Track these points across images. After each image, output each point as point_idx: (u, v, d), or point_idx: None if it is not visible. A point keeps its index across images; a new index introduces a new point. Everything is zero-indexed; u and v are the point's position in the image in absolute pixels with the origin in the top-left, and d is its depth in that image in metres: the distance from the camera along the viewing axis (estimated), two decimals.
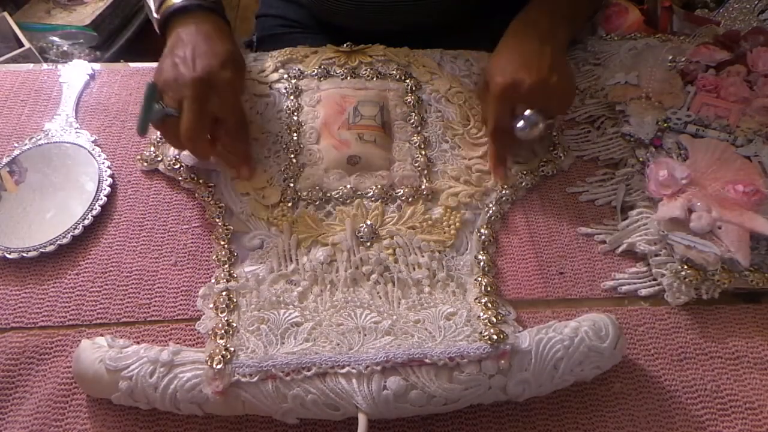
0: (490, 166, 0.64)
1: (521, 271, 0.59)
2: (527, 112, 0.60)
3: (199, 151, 0.59)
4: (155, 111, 0.56)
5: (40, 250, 0.57)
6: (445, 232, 0.59)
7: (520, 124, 0.60)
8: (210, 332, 0.51)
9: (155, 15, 0.65)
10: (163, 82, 0.57)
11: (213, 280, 0.55)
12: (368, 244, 0.58)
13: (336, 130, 0.65)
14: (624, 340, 0.50)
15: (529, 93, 0.60)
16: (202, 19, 0.62)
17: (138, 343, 0.49)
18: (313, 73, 0.71)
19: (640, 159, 0.65)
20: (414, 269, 0.56)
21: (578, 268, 0.59)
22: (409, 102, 0.69)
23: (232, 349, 0.48)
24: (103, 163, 0.64)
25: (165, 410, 0.47)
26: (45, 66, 0.75)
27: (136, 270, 0.57)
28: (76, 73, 0.73)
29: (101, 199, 0.61)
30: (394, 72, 0.72)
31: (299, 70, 0.72)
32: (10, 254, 0.56)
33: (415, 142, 0.66)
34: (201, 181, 0.62)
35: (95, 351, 0.48)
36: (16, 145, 0.65)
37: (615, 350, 0.49)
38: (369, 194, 0.61)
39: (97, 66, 0.75)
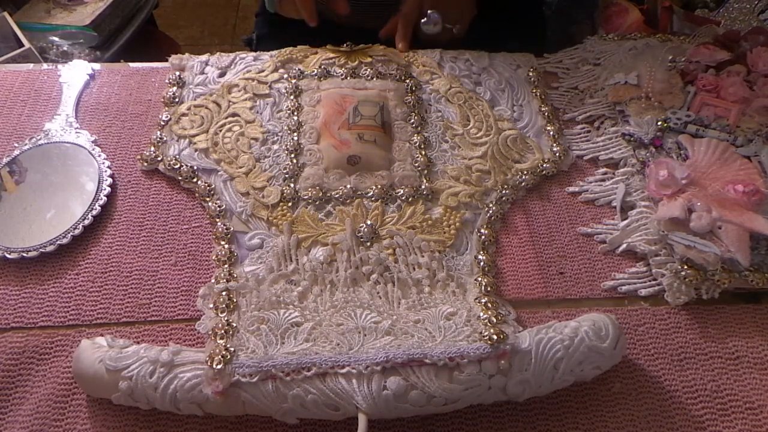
0: (396, 41, 0.76)
1: (521, 271, 0.59)
2: (430, 12, 0.75)
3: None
4: None
5: (40, 250, 0.57)
6: (445, 232, 0.59)
7: (424, 20, 0.75)
8: (210, 332, 0.51)
9: None
10: None
11: (213, 280, 0.55)
12: (368, 244, 0.58)
13: (336, 130, 0.65)
14: (624, 340, 0.50)
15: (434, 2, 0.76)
16: None
17: (138, 343, 0.49)
18: (313, 73, 0.71)
19: (640, 159, 0.65)
20: (414, 269, 0.56)
21: (578, 268, 0.59)
22: (409, 102, 0.70)
23: (232, 349, 0.48)
24: (103, 163, 0.64)
25: (165, 410, 0.47)
26: (45, 66, 0.75)
27: (136, 270, 0.57)
28: (76, 73, 0.73)
29: (101, 199, 0.61)
30: (394, 72, 0.72)
31: (299, 70, 0.72)
32: (10, 254, 0.56)
33: (415, 142, 0.66)
34: (201, 181, 0.62)
35: (95, 351, 0.48)
36: (16, 145, 0.65)
37: (615, 350, 0.49)
38: (369, 194, 0.61)
39: (97, 66, 0.75)
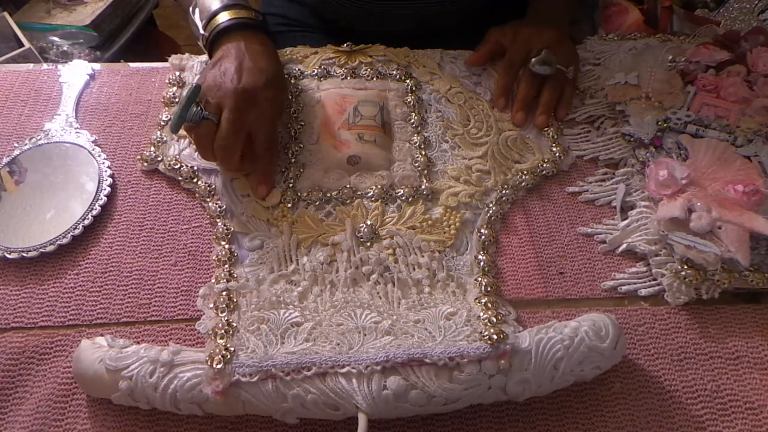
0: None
1: (521, 271, 0.59)
2: (544, 51, 0.69)
3: (227, 162, 0.59)
4: (194, 112, 0.56)
5: (40, 250, 0.57)
6: (445, 232, 0.59)
7: (535, 58, 0.69)
8: (210, 332, 0.51)
9: (202, 32, 0.65)
10: (207, 88, 0.58)
11: (213, 280, 0.55)
12: (368, 244, 0.58)
13: (336, 130, 0.65)
14: (624, 340, 0.50)
15: (543, 42, 0.71)
16: (250, 36, 0.63)
17: (138, 343, 0.49)
18: (313, 73, 0.71)
19: (640, 159, 0.65)
20: (414, 269, 0.56)
21: (578, 268, 0.59)
22: (409, 102, 0.69)
23: (232, 349, 0.48)
24: (103, 163, 0.64)
25: (165, 410, 0.47)
26: (45, 66, 0.75)
27: (136, 270, 0.57)
28: (76, 73, 0.73)
29: (101, 199, 0.61)
30: (394, 72, 0.72)
31: (299, 70, 0.72)
32: (10, 254, 0.56)
33: (415, 142, 0.66)
34: (201, 181, 0.62)
35: (95, 351, 0.48)
36: (16, 145, 0.65)
37: (615, 350, 0.49)
38: (369, 194, 0.61)
39: (97, 66, 0.75)
